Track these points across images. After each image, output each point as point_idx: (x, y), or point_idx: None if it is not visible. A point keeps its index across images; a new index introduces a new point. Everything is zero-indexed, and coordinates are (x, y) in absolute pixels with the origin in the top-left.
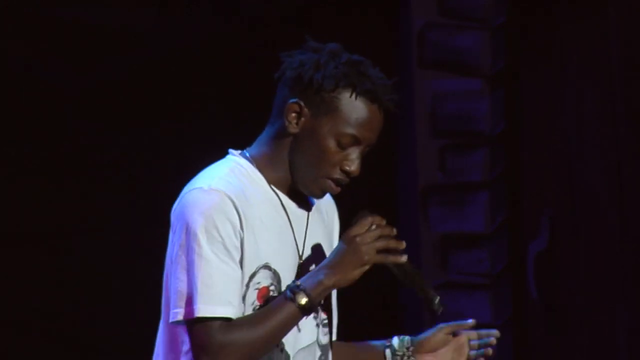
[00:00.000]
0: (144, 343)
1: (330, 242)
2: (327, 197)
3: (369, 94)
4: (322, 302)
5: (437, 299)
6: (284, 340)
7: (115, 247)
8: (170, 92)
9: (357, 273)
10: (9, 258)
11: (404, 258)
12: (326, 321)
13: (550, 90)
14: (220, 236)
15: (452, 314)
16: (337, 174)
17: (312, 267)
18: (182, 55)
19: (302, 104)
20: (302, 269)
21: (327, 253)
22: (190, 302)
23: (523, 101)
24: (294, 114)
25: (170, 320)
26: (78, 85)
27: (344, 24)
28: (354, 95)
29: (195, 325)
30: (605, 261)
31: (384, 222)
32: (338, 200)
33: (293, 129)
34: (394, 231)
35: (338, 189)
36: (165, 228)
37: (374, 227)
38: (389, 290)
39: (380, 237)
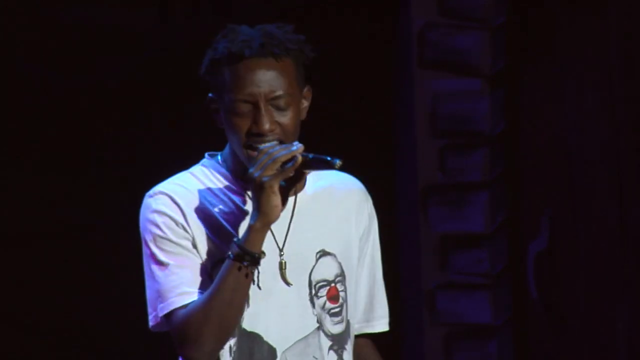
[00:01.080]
0: (144, 343)
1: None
2: (348, 184)
3: (235, 56)
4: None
5: (334, 160)
6: (265, 331)
7: (115, 247)
8: (170, 92)
9: (273, 200)
10: (9, 258)
11: (298, 160)
12: (335, 310)
13: (550, 91)
14: (164, 233)
15: (452, 314)
16: (250, 140)
17: (301, 256)
18: (182, 55)
19: (211, 95)
20: (287, 256)
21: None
22: (155, 307)
23: (523, 101)
24: (212, 109)
25: (150, 326)
26: (78, 85)
27: (344, 24)
28: (220, 65)
29: (167, 325)
30: (605, 261)
31: (269, 148)
32: None
33: (220, 123)
34: (286, 147)
35: (254, 153)
36: None
37: (264, 157)
38: (389, 290)
39: (269, 161)
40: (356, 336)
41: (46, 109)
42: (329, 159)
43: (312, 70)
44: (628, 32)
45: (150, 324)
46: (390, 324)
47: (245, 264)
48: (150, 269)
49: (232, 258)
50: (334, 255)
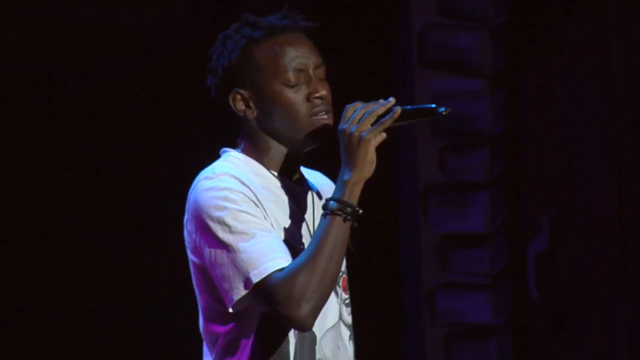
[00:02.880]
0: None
1: None
2: (326, 180)
3: (269, 33)
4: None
5: (440, 108)
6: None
7: (115, 247)
8: (170, 92)
9: (370, 154)
10: (9, 258)
11: (397, 112)
12: (348, 300)
13: (550, 90)
14: (242, 207)
15: (452, 314)
16: (314, 106)
17: None
18: (182, 55)
19: (237, 89)
20: None
21: None
22: (242, 279)
23: (523, 101)
24: (240, 102)
25: (230, 305)
26: (78, 85)
27: (344, 24)
28: (259, 43)
29: (258, 293)
30: (605, 261)
31: (360, 104)
32: None
33: (251, 114)
34: (377, 103)
35: (328, 117)
36: (167, 227)
37: (356, 111)
38: (389, 291)
39: (365, 114)
40: None
41: (46, 109)
42: (432, 106)
43: None
44: (628, 33)
45: (234, 298)
46: (392, 326)
47: (347, 216)
48: (229, 245)
49: (330, 213)
50: None
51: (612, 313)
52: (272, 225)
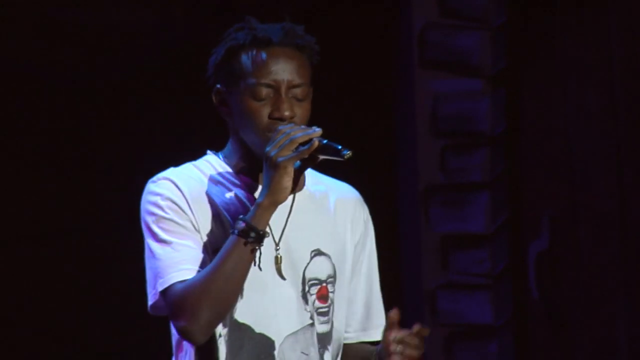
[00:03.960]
0: (144, 342)
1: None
2: (345, 192)
3: (257, 42)
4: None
5: (344, 150)
6: (255, 324)
7: (114, 247)
8: (170, 92)
9: (285, 180)
10: (9, 258)
11: (314, 144)
12: (323, 310)
13: (550, 91)
14: (167, 214)
15: (453, 314)
16: (272, 124)
17: (296, 252)
18: (182, 55)
19: (219, 87)
20: (282, 252)
21: (330, 245)
22: (154, 285)
23: (523, 101)
24: (219, 99)
25: (148, 308)
26: (78, 85)
27: (345, 25)
28: (241, 51)
29: (164, 300)
30: (605, 261)
31: (288, 128)
32: None
33: (227, 112)
34: (305, 130)
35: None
36: None
37: (281, 136)
38: (390, 291)
39: (287, 141)
40: (353, 344)
41: (46, 109)
42: (339, 147)
43: (314, 72)
44: (628, 32)
45: (150, 302)
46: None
47: (250, 240)
48: (151, 249)
49: (237, 234)
50: (329, 257)
51: (612, 312)
52: (199, 233)
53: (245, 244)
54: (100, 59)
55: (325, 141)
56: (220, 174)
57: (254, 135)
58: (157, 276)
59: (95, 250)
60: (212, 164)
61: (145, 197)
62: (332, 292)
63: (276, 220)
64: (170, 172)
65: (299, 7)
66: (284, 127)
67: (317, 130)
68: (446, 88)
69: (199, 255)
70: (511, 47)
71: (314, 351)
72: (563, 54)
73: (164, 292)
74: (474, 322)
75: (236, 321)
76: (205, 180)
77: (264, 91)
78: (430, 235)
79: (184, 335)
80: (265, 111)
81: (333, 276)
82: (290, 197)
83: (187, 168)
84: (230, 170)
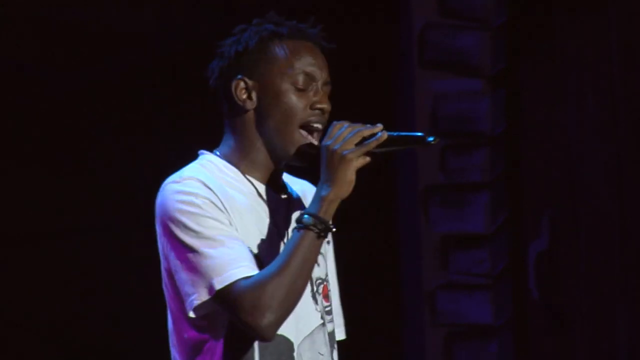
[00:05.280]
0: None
1: None
2: (312, 188)
3: (293, 34)
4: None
5: (427, 136)
6: (284, 327)
7: (115, 247)
8: (170, 92)
9: (349, 174)
10: (9, 258)
11: (383, 136)
12: (328, 308)
13: (550, 91)
14: (207, 212)
15: (453, 315)
16: (312, 115)
17: None
18: (182, 55)
19: (242, 76)
20: None
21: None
22: (205, 284)
23: (523, 101)
24: (242, 90)
25: (190, 309)
26: (78, 85)
27: (345, 25)
28: (281, 39)
29: (221, 300)
30: (605, 261)
31: (346, 122)
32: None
33: (250, 104)
34: (364, 125)
35: (318, 130)
36: None
37: (342, 129)
38: (389, 291)
39: (350, 133)
40: None
41: (46, 109)
42: (419, 134)
43: None
44: (628, 32)
45: (195, 303)
46: (392, 327)
47: (322, 234)
48: (194, 249)
49: (305, 227)
50: (323, 255)
51: (612, 313)
52: (237, 232)
53: (317, 237)
54: (100, 59)
55: (395, 133)
56: (226, 174)
57: (288, 128)
58: (209, 275)
59: (95, 250)
60: (217, 165)
61: (173, 197)
62: (330, 290)
63: (265, 223)
64: (190, 172)
65: (299, 7)
66: (341, 122)
67: (379, 126)
68: (446, 88)
69: (249, 253)
70: (511, 47)
71: (326, 351)
72: (563, 54)
73: (223, 291)
74: (474, 322)
75: None
76: (219, 181)
77: (306, 82)
78: (430, 235)
79: (255, 332)
80: (303, 102)
81: (327, 274)
82: (286, 201)
83: (201, 170)
84: (236, 170)
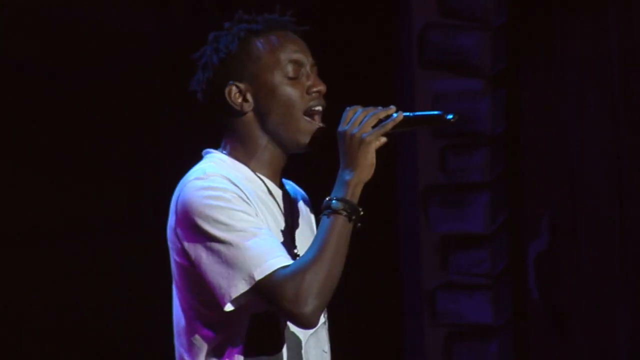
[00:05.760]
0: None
1: (311, 229)
2: (301, 192)
3: (268, 27)
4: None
5: (446, 114)
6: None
7: (114, 247)
8: (170, 92)
9: (370, 157)
10: (9, 258)
11: (399, 116)
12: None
13: (550, 91)
14: (238, 206)
15: (452, 315)
16: (311, 100)
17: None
18: (182, 55)
19: (233, 82)
20: (300, 253)
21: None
22: (243, 275)
23: (523, 101)
24: (237, 94)
25: (227, 302)
26: (78, 85)
27: (345, 25)
28: (258, 35)
29: (260, 290)
30: (605, 261)
31: (360, 107)
32: None
33: (247, 106)
34: (376, 108)
35: (320, 114)
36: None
37: (356, 114)
38: (389, 291)
39: (366, 117)
40: None
41: (46, 109)
42: (438, 112)
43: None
44: (628, 32)
45: (232, 295)
46: (392, 328)
47: (353, 217)
48: (227, 243)
49: (335, 212)
50: None
51: (612, 313)
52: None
53: (348, 220)
54: (101, 59)
55: (411, 114)
56: (239, 170)
57: (292, 119)
58: (248, 266)
59: (95, 250)
60: (227, 163)
61: (199, 193)
62: None
63: (279, 220)
64: (213, 168)
65: (299, 7)
66: (354, 107)
67: (392, 107)
68: (446, 88)
69: (281, 244)
70: (511, 47)
71: (328, 348)
72: (563, 53)
73: (263, 281)
74: (474, 322)
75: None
76: (235, 178)
77: (295, 70)
78: (430, 235)
79: (299, 319)
80: (299, 90)
81: None
82: (293, 199)
83: (215, 166)
84: (245, 167)
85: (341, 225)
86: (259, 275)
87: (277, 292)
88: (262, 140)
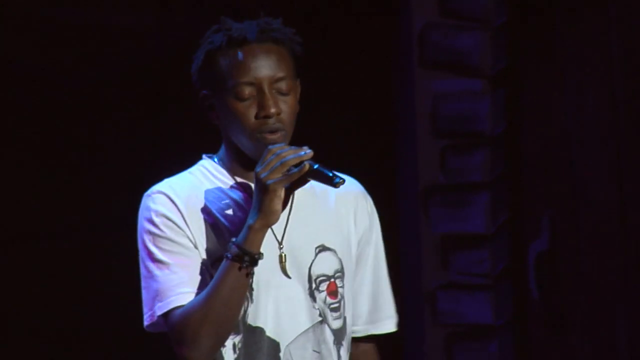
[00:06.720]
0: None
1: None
2: (347, 185)
3: (232, 42)
4: (319, 284)
5: (335, 178)
6: (266, 325)
7: (114, 247)
8: (170, 92)
9: (275, 204)
10: (9, 258)
11: (304, 167)
12: (335, 305)
13: (550, 91)
14: (163, 232)
15: (453, 315)
16: (262, 125)
17: (300, 250)
18: (182, 54)
19: (204, 92)
20: (286, 250)
21: (335, 239)
22: (151, 306)
23: (523, 101)
24: (205, 105)
25: (145, 325)
26: (78, 85)
27: (345, 25)
28: (222, 50)
29: (163, 324)
30: (606, 261)
31: (279, 148)
32: None
33: (215, 117)
34: (296, 151)
35: (276, 136)
36: None
37: (272, 157)
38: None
39: (278, 163)
40: (360, 339)
41: (45, 109)
42: (331, 174)
43: (315, 72)
44: (628, 32)
45: (146, 323)
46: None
47: (245, 264)
48: (148, 269)
49: (230, 258)
50: (334, 251)
51: (612, 313)
52: (197, 248)
53: (240, 268)
54: (101, 59)
55: (316, 165)
56: (216, 178)
57: (244, 138)
58: (154, 299)
59: (95, 250)
60: (208, 169)
61: (142, 213)
62: (342, 286)
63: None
64: (164, 185)
65: (299, 8)
66: (274, 147)
67: (309, 152)
68: (446, 88)
69: (196, 276)
70: (511, 47)
71: (325, 348)
72: (563, 53)
73: (164, 316)
74: (474, 322)
75: (250, 326)
76: (202, 188)
77: (247, 90)
78: (430, 235)
79: None
80: (251, 112)
81: (340, 270)
82: (289, 199)
83: (182, 177)
84: (226, 173)
85: (234, 272)
86: (159, 310)
87: (169, 331)
88: (235, 147)
